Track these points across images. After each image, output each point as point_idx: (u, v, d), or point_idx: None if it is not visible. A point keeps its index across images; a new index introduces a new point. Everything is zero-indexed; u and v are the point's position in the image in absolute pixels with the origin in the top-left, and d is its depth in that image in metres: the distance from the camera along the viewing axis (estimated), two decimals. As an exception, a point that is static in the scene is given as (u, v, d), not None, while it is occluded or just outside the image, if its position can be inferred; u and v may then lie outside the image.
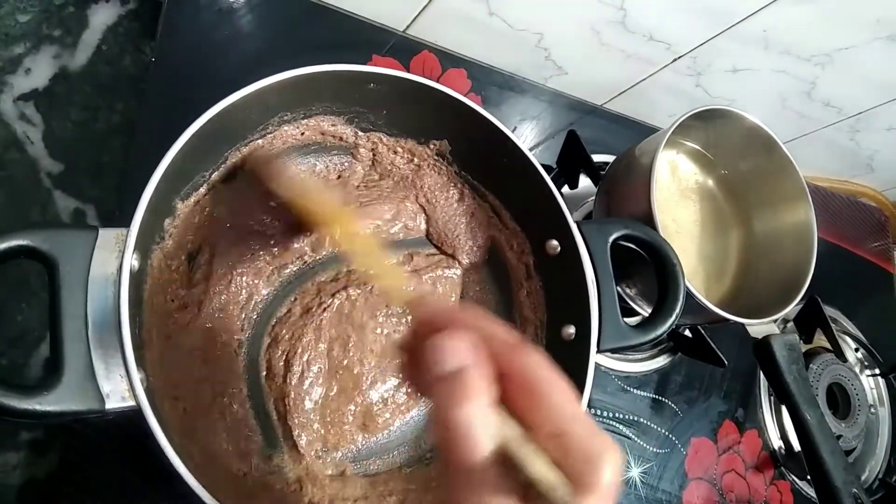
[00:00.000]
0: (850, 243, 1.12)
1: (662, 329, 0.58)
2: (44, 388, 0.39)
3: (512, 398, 0.30)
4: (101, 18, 0.70)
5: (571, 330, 0.58)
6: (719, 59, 0.83)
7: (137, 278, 0.46)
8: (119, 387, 0.40)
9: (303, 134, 0.59)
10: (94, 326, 0.41)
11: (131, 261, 0.43)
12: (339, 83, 0.56)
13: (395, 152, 0.64)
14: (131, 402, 0.40)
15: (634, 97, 0.91)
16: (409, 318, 0.36)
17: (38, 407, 0.38)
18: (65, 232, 0.42)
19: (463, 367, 0.29)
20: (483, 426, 0.28)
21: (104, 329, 0.41)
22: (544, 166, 0.59)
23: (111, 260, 0.42)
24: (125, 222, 0.43)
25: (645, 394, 0.84)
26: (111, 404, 0.40)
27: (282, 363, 0.57)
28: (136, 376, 0.40)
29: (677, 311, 0.58)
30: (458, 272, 0.66)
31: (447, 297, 0.64)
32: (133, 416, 0.41)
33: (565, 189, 0.84)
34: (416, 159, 0.64)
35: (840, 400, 0.94)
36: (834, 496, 0.71)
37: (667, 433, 0.83)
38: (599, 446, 0.28)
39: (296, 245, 0.60)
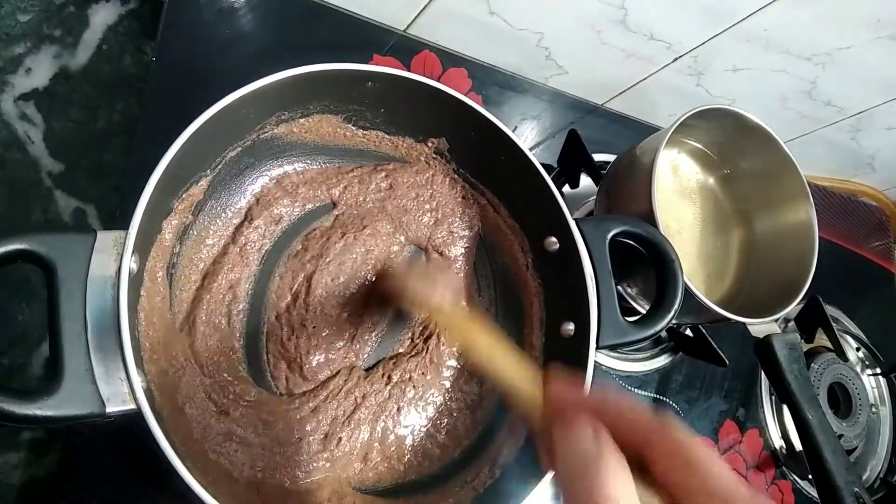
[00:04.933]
0: (851, 242, 1.12)
1: (661, 325, 0.58)
2: (44, 392, 0.39)
3: (664, 472, 0.30)
4: (101, 18, 0.70)
5: (570, 327, 0.58)
6: (720, 58, 0.83)
7: (136, 280, 0.46)
8: (119, 390, 0.40)
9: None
10: (93, 329, 0.41)
11: (130, 263, 0.43)
12: (336, 82, 0.56)
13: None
14: (132, 406, 0.40)
15: (635, 96, 0.91)
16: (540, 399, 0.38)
17: (38, 412, 0.38)
18: (63, 235, 0.42)
19: (596, 451, 0.30)
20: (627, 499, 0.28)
21: (103, 332, 0.41)
22: (545, 166, 0.59)
23: (110, 262, 0.42)
24: (126, 222, 0.43)
25: (646, 393, 0.84)
26: (111, 408, 0.40)
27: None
28: (137, 379, 0.40)
29: (676, 306, 0.58)
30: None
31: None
32: (133, 417, 0.41)
33: (566, 189, 0.84)
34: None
35: (841, 399, 0.94)
36: (835, 495, 0.71)
37: (667, 433, 0.83)
38: None
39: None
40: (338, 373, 0.59)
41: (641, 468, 0.30)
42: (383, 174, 0.65)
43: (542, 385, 0.38)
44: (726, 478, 0.29)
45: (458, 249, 0.66)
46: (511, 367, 0.42)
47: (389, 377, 0.60)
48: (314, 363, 0.58)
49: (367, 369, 0.61)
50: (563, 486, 0.30)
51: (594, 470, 0.29)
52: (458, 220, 0.66)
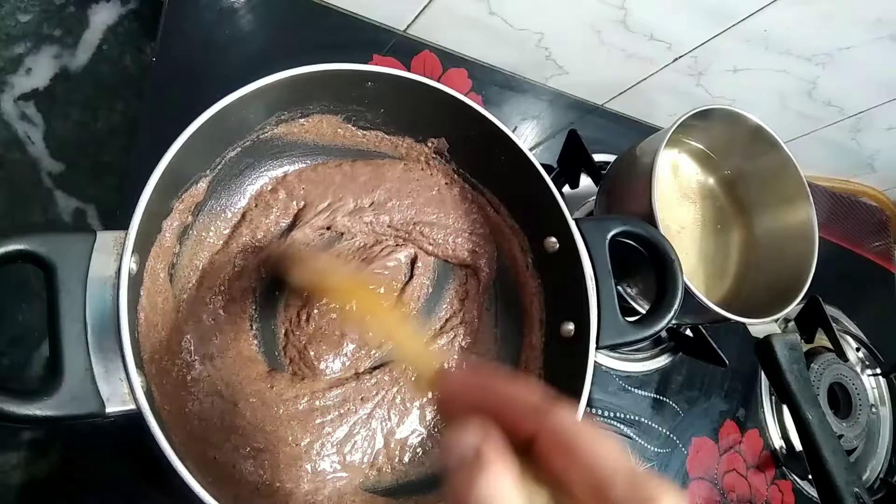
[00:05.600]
0: (851, 243, 1.12)
1: (661, 325, 0.58)
2: (44, 392, 0.39)
3: (547, 459, 0.29)
4: (101, 18, 0.70)
5: (570, 327, 0.59)
6: (720, 58, 0.83)
7: (136, 280, 0.46)
8: (119, 390, 0.40)
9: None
10: (93, 330, 0.41)
11: (130, 263, 0.43)
12: (335, 82, 0.56)
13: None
14: (131, 406, 0.40)
15: (635, 97, 0.91)
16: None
17: (38, 412, 0.38)
18: (62, 236, 0.42)
19: (475, 451, 0.29)
20: (506, 499, 0.27)
21: (103, 332, 0.41)
22: (545, 166, 0.59)
23: (109, 262, 0.42)
24: (126, 222, 0.43)
25: (646, 393, 0.84)
26: (111, 408, 0.40)
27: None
28: (137, 379, 0.40)
29: (675, 306, 0.58)
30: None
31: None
32: (134, 416, 0.41)
33: (566, 189, 0.84)
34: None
35: (841, 399, 0.94)
36: (835, 496, 0.71)
37: (668, 433, 0.83)
38: (649, 492, 0.26)
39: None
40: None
41: (533, 460, 0.29)
42: (369, 168, 0.65)
43: (438, 367, 0.38)
44: (608, 460, 0.28)
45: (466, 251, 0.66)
46: (409, 345, 0.44)
47: (392, 377, 0.60)
48: (323, 363, 0.59)
49: (373, 368, 0.61)
50: (447, 479, 0.30)
51: (474, 469, 0.28)
52: (459, 221, 0.66)
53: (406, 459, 0.59)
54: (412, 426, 0.60)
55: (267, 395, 0.55)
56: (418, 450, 0.60)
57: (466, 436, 0.29)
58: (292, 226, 0.61)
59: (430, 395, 0.60)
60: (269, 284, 0.60)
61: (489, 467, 0.28)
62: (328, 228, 0.62)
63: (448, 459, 0.30)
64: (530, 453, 0.29)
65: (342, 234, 0.63)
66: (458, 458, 0.29)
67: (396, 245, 0.64)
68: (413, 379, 0.41)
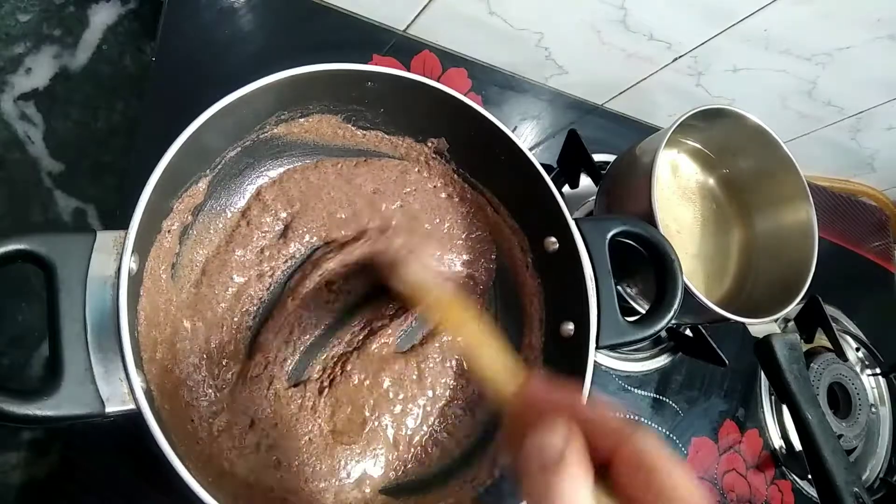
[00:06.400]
0: (850, 243, 1.12)
1: (660, 325, 0.58)
2: (43, 392, 0.39)
3: (623, 478, 0.30)
4: (101, 18, 0.70)
5: (570, 327, 0.58)
6: (720, 58, 0.83)
7: (136, 280, 0.46)
8: (119, 390, 0.40)
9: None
10: (92, 329, 0.41)
11: (129, 263, 0.43)
12: (335, 82, 0.56)
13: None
14: (131, 406, 0.40)
15: (635, 96, 0.91)
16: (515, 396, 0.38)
17: (37, 412, 0.38)
18: (62, 236, 0.42)
19: (559, 454, 0.29)
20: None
21: (103, 332, 0.41)
22: (545, 166, 0.59)
23: (109, 262, 0.42)
24: (126, 222, 0.43)
25: (645, 393, 0.84)
26: (111, 408, 0.40)
27: None
28: (136, 379, 0.40)
29: (675, 306, 0.58)
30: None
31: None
32: (134, 416, 0.41)
33: (566, 189, 0.84)
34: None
35: (841, 399, 0.94)
36: (835, 495, 0.71)
37: (667, 433, 0.83)
38: None
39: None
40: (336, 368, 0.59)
41: (606, 477, 0.30)
42: (367, 169, 0.65)
43: (521, 382, 0.39)
44: (683, 487, 0.28)
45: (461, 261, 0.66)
46: (494, 358, 0.43)
47: (392, 376, 0.60)
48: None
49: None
50: (522, 480, 0.30)
51: (555, 470, 0.29)
52: (456, 227, 0.66)
53: (406, 459, 0.59)
54: (410, 425, 0.60)
55: (270, 396, 0.56)
56: (419, 449, 0.60)
57: (552, 438, 0.30)
58: (287, 228, 0.61)
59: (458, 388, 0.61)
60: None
61: (570, 470, 0.29)
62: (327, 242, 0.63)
63: (529, 460, 0.30)
64: (602, 470, 0.30)
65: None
66: (540, 459, 0.29)
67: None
68: (493, 394, 0.41)
